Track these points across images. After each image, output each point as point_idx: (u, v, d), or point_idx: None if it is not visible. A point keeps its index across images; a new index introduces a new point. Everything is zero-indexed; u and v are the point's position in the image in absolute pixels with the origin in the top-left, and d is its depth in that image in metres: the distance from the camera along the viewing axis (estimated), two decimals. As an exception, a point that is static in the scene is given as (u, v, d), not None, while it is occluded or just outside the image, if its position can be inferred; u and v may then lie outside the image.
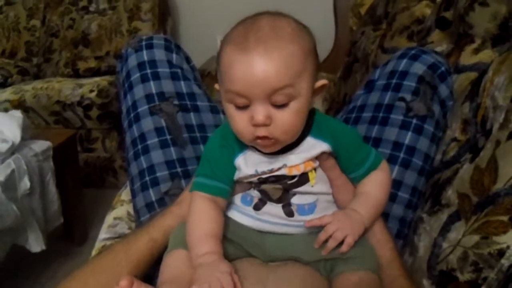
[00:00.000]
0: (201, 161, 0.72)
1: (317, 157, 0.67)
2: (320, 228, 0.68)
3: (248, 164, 0.67)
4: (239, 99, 0.60)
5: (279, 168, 0.66)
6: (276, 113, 0.59)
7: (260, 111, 0.58)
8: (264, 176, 0.66)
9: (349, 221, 0.65)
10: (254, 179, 0.67)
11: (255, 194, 0.69)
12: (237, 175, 0.68)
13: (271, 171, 0.66)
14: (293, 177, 0.66)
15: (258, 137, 0.61)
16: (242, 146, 0.67)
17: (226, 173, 0.68)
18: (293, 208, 0.67)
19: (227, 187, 0.69)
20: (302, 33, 0.61)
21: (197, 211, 0.68)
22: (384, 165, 0.72)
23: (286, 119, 0.60)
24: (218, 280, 0.57)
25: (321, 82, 0.64)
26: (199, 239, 0.64)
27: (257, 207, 0.69)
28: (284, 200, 0.67)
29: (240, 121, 0.61)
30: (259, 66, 0.57)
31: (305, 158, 0.66)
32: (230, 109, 0.62)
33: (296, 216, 0.68)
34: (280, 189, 0.67)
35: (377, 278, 0.65)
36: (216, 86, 0.66)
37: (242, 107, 0.60)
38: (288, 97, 0.59)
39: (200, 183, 0.69)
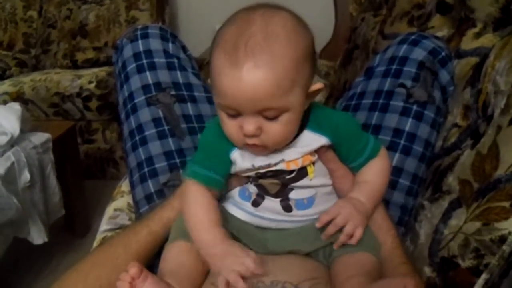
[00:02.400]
0: (198, 150, 0.71)
1: (316, 151, 0.66)
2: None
3: (245, 158, 0.66)
4: (228, 110, 0.59)
5: (277, 163, 0.65)
6: (267, 124, 0.58)
7: (249, 123, 0.58)
8: (261, 171, 0.65)
9: (355, 212, 0.64)
10: (252, 173, 0.66)
11: (253, 189, 0.68)
12: (234, 169, 0.67)
13: (269, 165, 0.65)
14: (291, 171, 0.65)
15: (251, 145, 0.60)
16: None
17: (222, 164, 0.67)
18: (291, 203, 0.67)
19: (221, 179, 0.68)
20: (297, 36, 0.58)
21: (194, 201, 0.67)
22: (383, 152, 0.71)
23: (277, 130, 0.59)
24: (240, 264, 0.57)
25: (316, 86, 0.62)
26: (204, 230, 0.63)
27: (255, 203, 0.68)
28: (282, 195, 0.67)
29: (230, 128, 0.61)
30: (247, 85, 0.55)
31: (303, 152, 0.65)
32: (221, 114, 0.61)
33: (295, 211, 0.67)
34: (278, 184, 0.66)
35: (375, 259, 0.65)
36: (209, 81, 0.65)
37: (233, 115, 0.59)
38: (279, 111, 0.58)
39: (195, 171, 0.68)
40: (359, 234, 0.63)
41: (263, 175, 0.66)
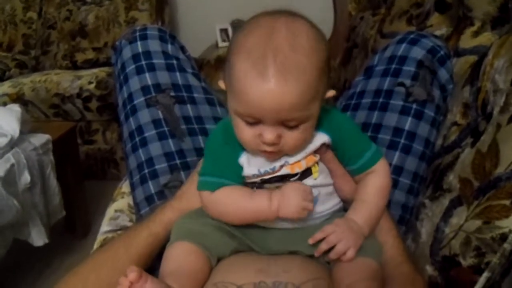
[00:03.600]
0: (205, 160, 0.71)
1: (317, 151, 0.67)
2: (325, 219, 0.68)
3: (251, 164, 0.66)
4: (248, 118, 0.59)
5: (281, 166, 0.65)
6: (286, 132, 0.59)
7: (270, 132, 0.58)
8: (267, 177, 0.66)
9: (350, 232, 0.63)
10: (257, 179, 0.66)
11: None
12: (242, 172, 0.67)
13: (274, 170, 0.65)
14: (295, 174, 0.65)
15: (267, 152, 0.61)
16: None
17: (234, 171, 0.67)
18: None
19: (235, 184, 0.67)
20: (319, 47, 0.59)
21: (221, 200, 0.66)
22: (382, 166, 0.70)
23: (295, 138, 0.60)
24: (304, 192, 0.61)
25: (330, 93, 0.64)
26: (253, 204, 0.64)
27: None
28: None
29: (247, 135, 0.61)
30: (275, 97, 0.55)
31: (307, 152, 0.65)
32: (238, 121, 0.61)
33: None
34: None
35: (377, 264, 0.65)
36: (221, 84, 0.64)
37: (251, 123, 0.59)
38: (300, 122, 0.59)
39: (207, 182, 0.68)
40: (351, 254, 0.62)
41: (268, 181, 0.66)
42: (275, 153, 0.62)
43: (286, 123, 0.58)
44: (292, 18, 0.60)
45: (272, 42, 0.56)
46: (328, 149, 0.68)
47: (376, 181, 0.69)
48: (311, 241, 0.63)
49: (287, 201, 0.61)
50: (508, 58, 0.77)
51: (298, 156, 0.65)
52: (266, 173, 0.65)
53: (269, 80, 0.55)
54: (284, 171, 0.65)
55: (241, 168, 0.67)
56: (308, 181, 0.66)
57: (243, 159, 0.66)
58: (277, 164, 0.65)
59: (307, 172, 0.66)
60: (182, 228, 0.70)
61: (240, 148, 0.66)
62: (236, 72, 0.58)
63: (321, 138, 0.66)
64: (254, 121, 0.59)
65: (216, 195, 0.66)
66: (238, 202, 0.65)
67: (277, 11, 0.61)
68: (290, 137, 0.60)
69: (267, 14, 0.60)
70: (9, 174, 1.43)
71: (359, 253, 0.64)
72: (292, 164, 0.65)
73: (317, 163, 0.67)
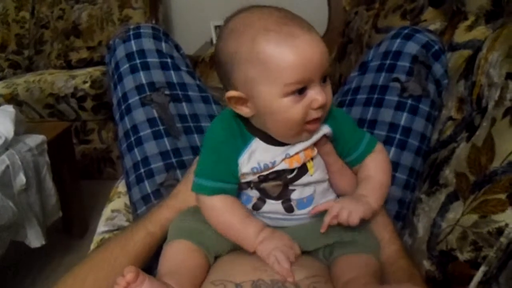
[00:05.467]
0: (203, 158, 0.68)
1: (316, 144, 0.67)
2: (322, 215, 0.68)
3: (252, 159, 0.65)
4: (298, 85, 0.59)
5: (282, 160, 0.64)
6: (324, 90, 0.61)
7: (320, 92, 0.59)
8: (264, 174, 0.65)
9: (354, 202, 0.64)
10: (255, 177, 0.66)
11: (253, 193, 0.67)
12: (240, 171, 0.66)
13: (274, 164, 0.64)
14: (292, 170, 0.65)
15: (312, 121, 0.61)
16: (246, 140, 0.65)
17: (232, 172, 0.65)
18: (293, 203, 0.67)
19: (234, 186, 0.67)
20: None
21: (215, 212, 0.66)
22: (379, 147, 0.71)
23: (329, 95, 0.62)
24: (284, 247, 0.62)
25: None
26: (242, 227, 0.65)
27: (256, 207, 0.67)
28: (283, 196, 0.66)
29: (296, 112, 0.60)
30: (314, 47, 0.58)
31: (306, 144, 0.65)
32: (285, 102, 0.59)
33: (296, 211, 0.67)
34: (280, 185, 0.66)
35: (376, 260, 0.65)
36: (233, 93, 0.61)
37: (299, 93, 0.59)
38: (329, 72, 0.62)
39: (205, 186, 0.66)
40: (353, 218, 0.62)
41: (265, 178, 0.66)
42: (317, 122, 0.62)
43: (326, 75, 0.61)
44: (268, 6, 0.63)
45: (274, 15, 0.60)
46: (327, 141, 0.68)
47: (375, 158, 0.70)
48: (312, 212, 0.66)
49: (270, 243, 0.62)
50: (502, 52, 0.77)
51: (300, 146, 0.64)
52: (266, 168, 0.64)
53: (300, 36, 0.58)
54: (283, 165, 0.64)
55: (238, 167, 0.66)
56: (305, 178, 0.66)
57: (245, 156, 0.65)
58: (279, 158, 0.64)
59: (303, 169, 0.66)
60: (179, 227, 0.70)
61: (242, 144, 0.65)
62: (265, 52, 0.58)
63: (323, 129, 0.66)
64: (303, 86, 0.59)
65: (213, 203, 0.66)
66: (230, 219, 0.66)
67: (244, 8, 0.63)
68: (327, 94, 0.61)
69: (242, 11, 0.63)
70: (4, 176, 1.42)
71: (358, 250, 0.64)
72: (292, 156, 0.64)
73: (312, 158, 0.67)
